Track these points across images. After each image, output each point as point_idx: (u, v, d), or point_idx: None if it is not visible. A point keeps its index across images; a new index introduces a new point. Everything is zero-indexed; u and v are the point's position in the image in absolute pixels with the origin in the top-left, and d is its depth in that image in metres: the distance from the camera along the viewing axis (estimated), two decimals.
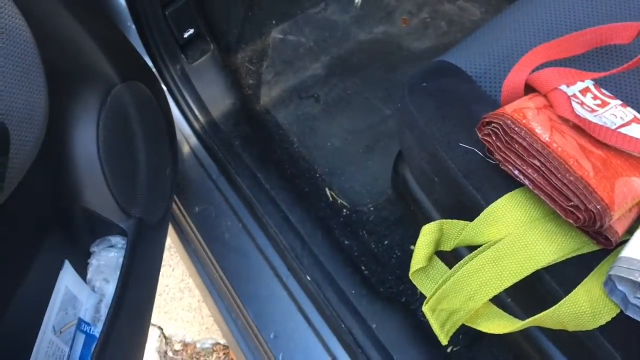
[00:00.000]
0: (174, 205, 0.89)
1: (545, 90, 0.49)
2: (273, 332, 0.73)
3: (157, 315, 1.15)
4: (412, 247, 0.82)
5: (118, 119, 0.63)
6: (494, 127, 0.46)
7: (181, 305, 1.15)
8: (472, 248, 0.47)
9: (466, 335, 0.70)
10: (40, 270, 0.52)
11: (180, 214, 0.88)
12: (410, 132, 0.56)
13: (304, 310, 0.73)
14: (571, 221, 0.42)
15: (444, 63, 0.59)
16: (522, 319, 0.44)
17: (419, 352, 0.68)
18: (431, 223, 0.47)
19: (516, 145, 0.45)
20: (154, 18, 0.89)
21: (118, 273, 0.57)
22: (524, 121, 0.45)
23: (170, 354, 1.09)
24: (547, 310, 0.42)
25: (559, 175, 0.43)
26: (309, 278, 0.75)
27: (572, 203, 0.42)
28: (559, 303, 0.42)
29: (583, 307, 0.42)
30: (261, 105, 1.06)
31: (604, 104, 0.51)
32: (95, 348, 0.52)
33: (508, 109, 0.47)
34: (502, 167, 0.47)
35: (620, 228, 0.43)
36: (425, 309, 0.44)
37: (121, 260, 0.57)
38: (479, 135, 0.48)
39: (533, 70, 0.51)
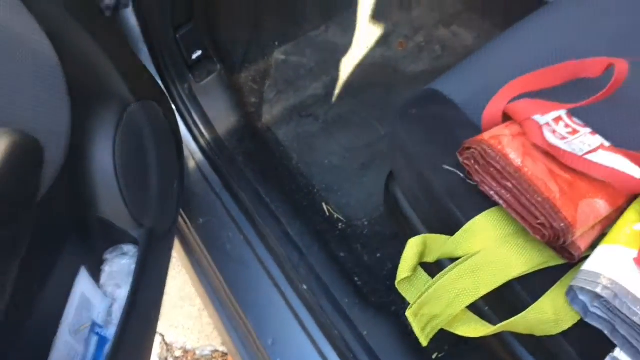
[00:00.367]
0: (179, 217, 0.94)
1: (520, 119, 0.54)
2: (271, 338, 0.78)
3: (159, 323, 1.19)
4: None
5: (132, 136, 0.69)
6: (473, 151, 0.52)
7: (182, 313, 1.19)
8: (453, 260, 0.52)
9: (450, 343, 0.75)
10: (59, 275, 0.57)
11: (184, 225, 0.94)
12: (400, 154, 0.62)
13: (300, 317, 0.78)
14: (538, 237, 0.48)
15: (433, 91, 0.64)
16: (496, 324, 0.49)
17: (407, 359, 0.73)
18: (416, 237, 0.53)
19: (492, 169, 0.50)
20: (165, 41, 0.95)
21: (129, 279, 0.62)
22: (499, 147, 0.51)
23: None
24: (516, 317, 0.47)
25: (528, 196, 0.48)
26: (305, 287, 0.79)
27: (539, 221, 0.47)
28: (527, 310, 0.47)
29: (548, 314, 0.47)
30: (263, 123, 1.12)
31: (574, 132, 0.56)
32: (109, 349, 0.57)
33: (486, 135, 0.52)
34: (480, 188, 0.52)
35: (582, 244, 0.49)
36: (408, 313, 0.49)
37: (133, 267, 0.62)
38: (460, 159, 0.54)
39: (510, 101, 0.57)
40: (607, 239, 0.49)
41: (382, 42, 1.24)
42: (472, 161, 0.52)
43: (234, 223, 0.90)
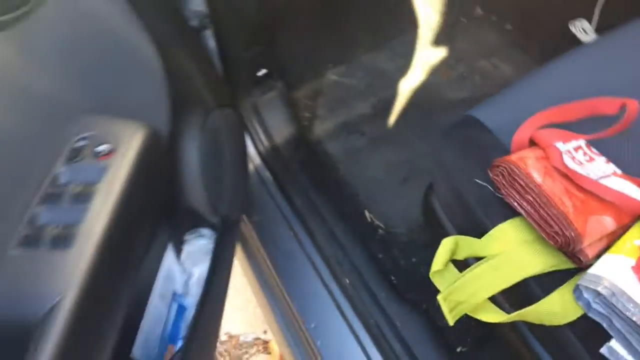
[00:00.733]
0: None
1: (543, 145, 0.64)
2: (314, 322, 0.89)
3: None
4: None
5: (212, 136, 0.80)
6: (501, 169, 0.62)
7: (230, 302, 1.31)
8: (478, 259, 0.62)
9: (472, 338, 0.84)
10: (154, 251, 0.70)
11: (242, 221, 1.06)
12: (440, 169, 0.73)
13: (340, 306, 0.89)
14: (552, 243, 0.57)
15: (471, 117, 0.75)
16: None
17: (433, 349, 0.82)
18: (449, 237, 0.63)
19: (517, 184, 0.61)
20: (237, 59, 1.08)
21: (205, 258, 0.74)
22: (524, 167, 0.61)
23: (217, 343, 1.26)
24: (529, 307, 0.56)
25: (546, 209, 0.58)
26: (347, 281, 0.90)
27: (554, 230, 0.57)
28: (538, 302, 0.56)
29: (556, 307, 0.56)
30: (315, 136, 1.24)
31: (591, 160, 0.66)
32: (193, 316, 0.68)
33: (513, 157, 0.63)
34: (506, 200, 0.62)
35: (590, 253, 0.58)
36: (439, 297, 0.59)
37: (209, 247, 0.74)
38: (490, 175, 0.64)
39: (537, 129, 0.67)
40: (611, 249, 0.58)
41: (427, 70, 1.35)
42: (500, 177, 0.62)
43: (285, 221, 1.02)
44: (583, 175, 0.62)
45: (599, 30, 1.06)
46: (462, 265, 0.64)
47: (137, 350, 0.63)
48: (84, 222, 0.48)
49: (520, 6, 1.32)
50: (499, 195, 0.64)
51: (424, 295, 0.91)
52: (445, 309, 0.59)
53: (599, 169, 0.65)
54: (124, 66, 0.62)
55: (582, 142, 0.67)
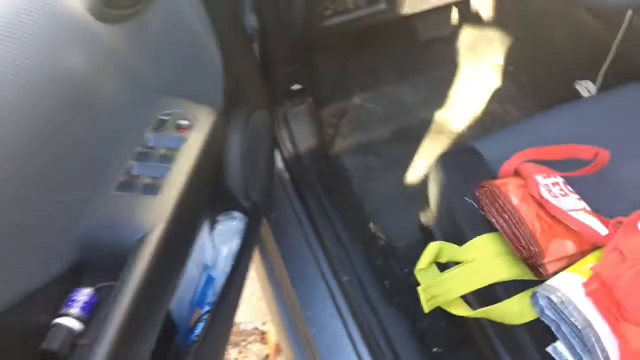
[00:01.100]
0: None
1: (525, 176, 0.76)
2: (311, 311, 1.00)
3: None
4: None
5: (253, 134, 0.91)
6: (486, 190, 0.74)
7: None
8: (457, 263, 0.73)
9: (447, 341, 0.94)
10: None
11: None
12: (437, 186, 0.84)
13: (336, 301, 0.99)
14: (519, 255, 0.69)
15: (470, 147, 0.87)
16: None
17: (412, 347, 0.92)
18: (435, 242, 0.75)
19: (497, 204, 0.72)
20: (277, 72, 1.22)
21: (234, 237, 0.86)
22: (505, 190, 0.73)
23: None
24: (493, 306, 0.67)
25: (518, 227, 0.69)
26: (346, 279, 1.01)
27: (522, 244, 0.68)
28: (501, 303, 0.67)
29: (515, 309, 0.67)
30: (335, 151, 1.37)
31: (566, 195, 0.77)
32: (222, 289, 0.78)
33: (498, 181, 0.74)
34: (487, 217, 0.74)
35: (550, 269, 0.69)
36: (419, 289, 0.71)
37: (240, 227, 0.85)
38: (477, 194, 0.76)
39: (523, 162, 0.79)
40: (569, 269, 0.69)
41: (444, 106, 1.48)
42: (484, 197, 0.74)
43: (297, 221, 1.14)
44: (555, 205, 0.73)
45: (601, 91, 1.18)
46: (443, 267, 0.75)
47: (173, 305, 0.74)
48: (168, 177, 0.62)
49: (536, 61, 1.45)
50: (482, 212, 0.75)
51: (410, 300, 1.02)
52: (423, 298, 0.70)
53: (571, 204, 0.76)
54: (195, 61, 0.76)
55: (560, 180, 0.79)
